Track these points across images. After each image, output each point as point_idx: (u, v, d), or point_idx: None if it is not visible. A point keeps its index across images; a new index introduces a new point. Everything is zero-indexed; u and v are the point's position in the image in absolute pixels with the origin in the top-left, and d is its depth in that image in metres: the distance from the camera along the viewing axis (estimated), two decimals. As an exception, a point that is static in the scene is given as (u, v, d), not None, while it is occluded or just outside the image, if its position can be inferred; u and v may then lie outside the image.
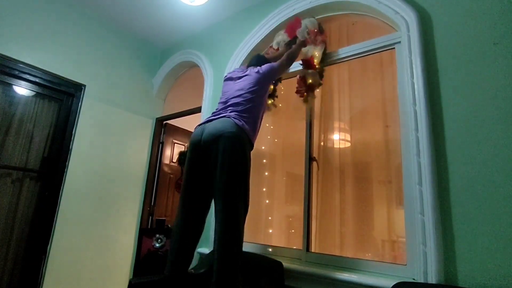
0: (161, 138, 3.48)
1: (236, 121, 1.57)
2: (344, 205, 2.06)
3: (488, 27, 1.50)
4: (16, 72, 2.48)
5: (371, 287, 1.52)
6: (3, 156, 2.38)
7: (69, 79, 2.76)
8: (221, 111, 1.68)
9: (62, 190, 2.62)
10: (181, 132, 3.73)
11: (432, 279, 1.36)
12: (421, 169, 1.51)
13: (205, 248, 2.35)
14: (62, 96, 2.75)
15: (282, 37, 2.28)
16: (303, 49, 2.11)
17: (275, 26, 2.48)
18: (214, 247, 1.46)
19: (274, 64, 1.87)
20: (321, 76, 2.07)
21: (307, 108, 2.14)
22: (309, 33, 2.04)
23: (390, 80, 1.98)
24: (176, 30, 3.20)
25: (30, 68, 2.54)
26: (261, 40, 2.56)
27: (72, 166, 2.69)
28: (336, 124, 2.23)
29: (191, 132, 3.91)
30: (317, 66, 2.06)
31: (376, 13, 1.99)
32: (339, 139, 2.21)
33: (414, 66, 1.67)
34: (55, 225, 2.54)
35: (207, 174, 1.57)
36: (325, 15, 2.31)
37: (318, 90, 2.12)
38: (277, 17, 2.47)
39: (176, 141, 3.67)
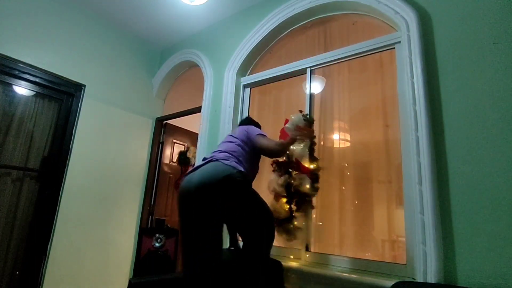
0: (161, 138, 3.48)
1: (224, 161, 1.46)
2: (344, 205, 2.06)
3: (488, 27, 1.50)
4: (16, 72, 2.48)
5: (371, 287, 1.52)
6: (3, 155, 2.38)
7: (69, 79, 2.76)
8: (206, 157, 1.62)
9: (62, 189, 2.62)
10: (181, 132, 3.73)
11: (431, 279, 1.36)
12: (421, 169, 1.51)
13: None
14: (62, 96, 2.75)
15: None
16: (290, 148, 1.73)
17: (275, 26, 2.48)
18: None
19: (261, 139, 1.62)
20: (315, 179, 1.79)
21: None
22: (296, 129, 1.62)
23: (390, 80, 1.98)
24: (176, 30, 3.20)
25: (30, 68, 2.54)
26: (261, 40, 2.56)
27: (72, 166, 2.69)
28: (336, 124, 2.24)
29: (191, 132, 3.93)
30: (309, 167, 1.77)
31: (376, 13, 1.99)
32: (339, 139, 2.21)
33: (414, 66, 1.67)
34: (55, 225, 2.54)
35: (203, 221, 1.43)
36: (325, 15, 2.31)
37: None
38: (277, 17, 2.47)
39: (176, 141, 3.67)
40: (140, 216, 3.17)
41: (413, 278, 1.47)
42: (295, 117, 1.70)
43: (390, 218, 1.89)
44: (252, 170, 1.65)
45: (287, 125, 1.69)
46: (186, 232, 1.44)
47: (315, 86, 2.28)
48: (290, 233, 1.76)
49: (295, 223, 1.77)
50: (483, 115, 1.43)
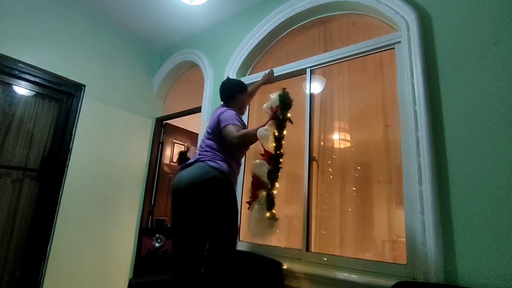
0: (161, 138, 3.48)
1: (208, 162, 1.56)
2: (344, 205, 2.06)
3: (488, 27, 1.50)
4: (16, 72, 2.48)
5: (371, 287, 1.52)
6: (3, 156, 2.38)
7: (69, 79, 2.76)
8: (193, 156, 1.70)
9: (62, 190, 2.62)
10: (181, 132, 3.73)
11: (432, 279, 1.36)
12: (421, 168, 1.51)
13: (205, 248, 2.35)
14: (62, 96, 2.75)
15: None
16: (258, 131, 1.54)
17: (275, 26, 2.48)
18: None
19: (230, 125, 1.57)
20: (272, 172, 1.50)
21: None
22: (270, 110, 1.54)
23: (390, 80, 1.98)
24: (176, 30, 3.20)
25: (30, 68, 2.54)
26: (261, 40, 2.56)
27: (72, 166, 2.69)
28: (336, 124, 2.23)
29: (191, 132, 3.93)
30: (270, 153, 1.52)
31: (376, 13, 1.99)
32: (339, 139, 2.21)
33: (414, 66, 1.67)
34: (55, 225, 2.54)
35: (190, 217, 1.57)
36: (325, 15, 2.31)
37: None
38: (277, 17, 2.47)
39: (176, 141, 3.67)
40: (140, 216, 3.17)
41: (413, 278, 1.47)
42: (273, 97, 1.57)
43: (390, 218, 1.89)
44: (234, 159, 1.68)
45: (264, 105, 1.59)
46: (176, 227, 1.56)
47: (315, 86, 2.28)
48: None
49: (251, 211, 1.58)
50: (483, 115, 1.43)
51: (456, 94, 1.52)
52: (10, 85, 2.48)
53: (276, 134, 1.49)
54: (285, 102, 1.54)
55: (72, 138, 2.73)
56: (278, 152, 1.49)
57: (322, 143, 2.19)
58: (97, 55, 2.99)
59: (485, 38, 1.50)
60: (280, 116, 1.51)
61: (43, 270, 2.45)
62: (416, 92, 1.62)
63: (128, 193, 3.12)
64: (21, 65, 2.50)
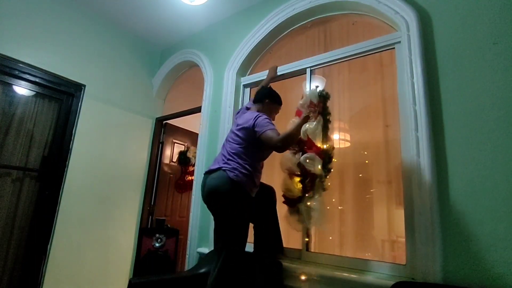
0: (161, 138, 3.48)
1: (229, 173, 1.64)
2: (344, 205, 2.06)
3: (488, 27, 1.50)
4: (16, 72, 2.48)
5: (371, 287, 1.52)
6: (3, 155, 2.38)
7: (69, 79, 2.76)
8: (218, 158, 1.77)
9: (62, 189, 2.62)
10: (181, 132, 3.73)
11: (431, 279, 1.36)
12: (421, 168, 1.51)
13: (204, 247, 2.35)
14: (62, 96, 2.75)
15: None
16: (302, 128, 1.63)
17: (275, 26, 2.48)
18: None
19: (268, 131, 1.60)
20: (326, 160, 1.59)
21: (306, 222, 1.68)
22: (309, 106, 1.61)
23: (390, 80, 1.98)
24: (176, 30, 3.20)
25: (30, 68, 2.54)
26: (261, 40, 2.56)
27: (72, 166, 2.69)
28: (336, 124, 2.23)
29: (191, 132, 3.93)
30: (320, 147, 1.60)
31: (376, 13, 1.99)
32: (339, 139, 2.21)
33: (414, 65, 1.67)
34: (55, 225, 2.54)
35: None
36: (325, 15, 2.31)
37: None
38: (277, 17, 2.47)
39: (176, 141, 3.67)
40: (140, 216, 3.17)
41: (413, 278, 1.47)
42: (309, 93, 1.66)
43: (389, 218, 1.89)
44: (257, 165, 1.74)
45: (300, 101, 1.67)
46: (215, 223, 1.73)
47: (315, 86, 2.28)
48: (300, 213, 1.68)
49: (308, 203, 1.65)
50: (483, 115, 1.43)
51: (456, 94, 1.52)
52: (10, 85, 2.48)
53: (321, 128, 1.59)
54: (325, 97, 1.65)
55: (72, 138, 2.73)
56: (328, 145, 1.59)
57: (322, 143, 2.19)
58: (97, 55, 2.99)
59: (485, 38, 1.50)
60: (324, 110, 1.61)
61: (43, 270, 2.45)
62: (416, 92, 1.62)
63: (128, 193, 3.12)
64: (21, 65, 2.50)
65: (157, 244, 2.89)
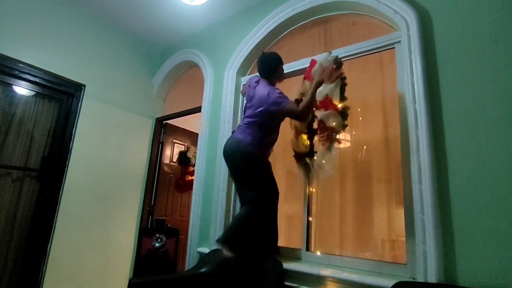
0: (161, 138, 3.48)
1: (241, 137, 1.82)
2: (344, 205, 2.06)
3: (488, 26, 1.50)
4: (16, 72, 2.48)
5: (371, 287, 1.52)
6: (3, 155, 2.38)
7: (69, 79, 2.77)
8: (238, 126, 1.94)
9: (62, 189, 2.62)
10: (181, 132, 3.73)
11: (432, 278, 1.36)
12: (421, 168, 1.51)
13: (205, 247, 2.35)
14: (62, 96, 2.75)
15: (305, 86, 2.00)
16: (318, 90, 1.80)
17: (275, 26, 2.48)
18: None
19: (287, 104, 1.76)
20: (344, 116, 1.75)
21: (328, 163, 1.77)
22: (324, 71, 1.78)
23: (390, 79, 1.98)
24: (176, 30, 3.20)
25: (30, 68, 2.54)
26: (261, 40, 2.56)
27: (72, 166, 2.69)
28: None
29: (191, 131, 3.93)
30: (338, 106, 1.75)
31: (376, 12, 1.99)
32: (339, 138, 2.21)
33: (414, 65, 1.67)
34: (55, 224, 2.54)
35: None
36: (325, 15, 2.31)
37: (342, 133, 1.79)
38: (277, 17, 2.47)
39: (176, 141, 3.67)
40: (140, 216, 3.17)
41: (413, 278, 1.47)
42: (323, 59, 1.83)
43: (390, 217, 1.89)
44: (271, 135, 1.89)
45: (315, 67, 1.83)
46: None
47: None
48: (308, 167, 1.85)
49: (315, 158, 1.80)
50: (483, 113, 1.42)
51: (456, 94, 1.52)
52: (10, 85, 2.48)
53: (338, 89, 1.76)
54: (339, 62, 1.82)
55: (72, 138, 2.73)
56: (344, 104, 1.76)
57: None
58: (97, 55, 2.99)
59: (485, 37, 1.50)
60: (344, 76, 1.77)
61: (43, 270, 2.45)
62: (416, 91, 1.62)
63: (128, 193, 3.12)
64: (21, 65, 2.50)
65: (157, 244, 2.88)
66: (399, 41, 1.84)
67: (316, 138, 1.89)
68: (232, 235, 1.75)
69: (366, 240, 1.99)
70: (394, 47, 1.89)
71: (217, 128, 2.61)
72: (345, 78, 1.78)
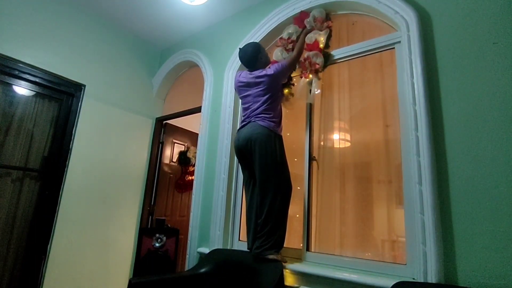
0: (161, 137, 3.48)
1: (261, 122, 1.90)
2: (344, 205, 2.06)
3: (488, 27, 1.50)
4: (16, 72, 2.48)
5: (371, 287, 1.52)
6: (3, 155, 2.38)
7: (69, 79, 2.76)
8: (246, 119, 2.00)
9: (62, 189, 2.62)
10: (181, 132, 3.73)
11: (432, 279, 1.36)
12: (421, 168, 1.51)
13: (205, 248, 2.35)
14: (62, 96, 2.75)
15: (294, 28, 2.33)
16: (308, 36, 2.18)
17: (275, 26, 2.48)
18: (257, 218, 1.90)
19: (283, 62, 2.03)
20: (325, 59, 2.11)
21: (308, 98, 2.18)
22: (316, 21, 2.18)
23: (390, 79, 1.98)
24: (176, 30, 3.20)
25: (30, 68, 2.54)
26: (261, 40, 2.56)
27: (72, 166, 2.69)
28: (336, 124, 2.23)
29: (191, 131, 3.93)
30: (322, 48, 2.11)
31: (376, 13, 1.99)
32: (339, 139, 2.21)
33: (414, 65, 1.67)
34: (55, 224, 2.54)
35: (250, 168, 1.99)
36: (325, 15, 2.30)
37: (321, 80, 2.14)
38: (277, 17, 2.47)
39: (176, 141, 3.67)
40: (140, 216, 3.17)
41: (413, 278, 1.47)
42: (316, 11, 2.20)
43: (390, 218, 1.89)
44: (280, 119, 2.02)
45: (309, 18, 2.21)
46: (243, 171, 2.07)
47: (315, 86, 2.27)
48: (292, 89, 2.24)
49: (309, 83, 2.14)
50: (483, 114, 1.43)
51: (456, 94, 1.52)
52: (10, 85, 2.48)
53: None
54: (328, 15, 2.23)
55: (72, 138, 2.73)
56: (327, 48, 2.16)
57: (322, 143, 2.19)
58: (97, 55, 2.99)
59: (485, 38, 1.50)
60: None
61: (43, 270, 2.45)
62: (416, 92, 1.62)
63: (128, 193, 3.12)
64: (21, 65, 2.50)
65: (157, 244, 2.88)
66: (399, 41, 1.84)
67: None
68: (275, 234, 1.77)
69: (366, 240, 1.99)
70: (394, 47, 1.89)
71: (217, 128, 2.61)
72: (331, 28, 2.18)
